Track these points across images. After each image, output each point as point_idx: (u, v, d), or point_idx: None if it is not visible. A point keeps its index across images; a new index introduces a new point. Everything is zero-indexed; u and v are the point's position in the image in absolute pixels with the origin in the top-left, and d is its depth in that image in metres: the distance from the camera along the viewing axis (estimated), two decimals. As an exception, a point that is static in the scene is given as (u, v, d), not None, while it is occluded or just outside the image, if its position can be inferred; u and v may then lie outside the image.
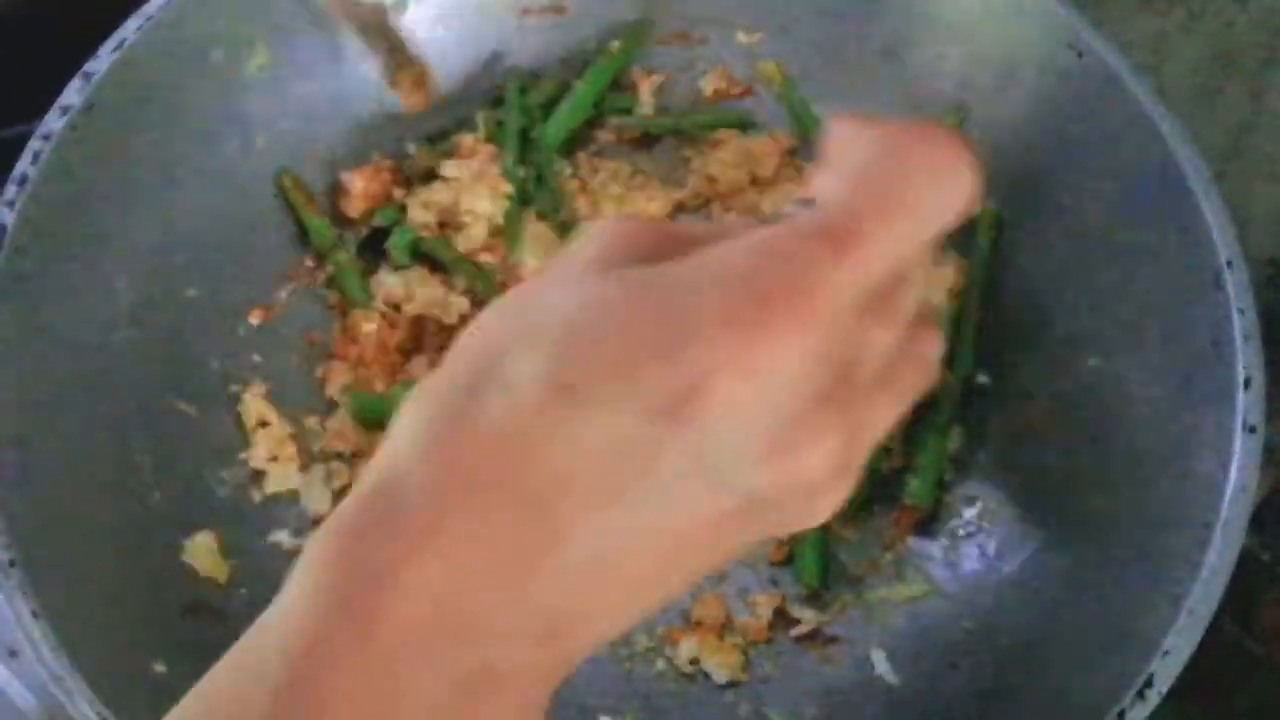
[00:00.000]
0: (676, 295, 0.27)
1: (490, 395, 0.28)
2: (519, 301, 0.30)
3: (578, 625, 0.29)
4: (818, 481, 0.28)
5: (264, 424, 0.69)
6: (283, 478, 0.68)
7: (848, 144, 0.29)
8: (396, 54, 0.68)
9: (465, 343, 0.29)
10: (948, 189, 0.29)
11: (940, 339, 0.33)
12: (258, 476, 0.68)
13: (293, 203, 0.72)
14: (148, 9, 0.65)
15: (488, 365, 0.28)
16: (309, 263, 0.74)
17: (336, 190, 0.74)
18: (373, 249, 0.75)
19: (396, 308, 0.72)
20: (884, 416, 0.31)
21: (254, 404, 0.69)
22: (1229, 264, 0.58)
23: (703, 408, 0.27)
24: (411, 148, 0.75)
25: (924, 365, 0.33)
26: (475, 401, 0.28)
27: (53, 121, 0.62)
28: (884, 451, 0.68)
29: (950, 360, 0.70)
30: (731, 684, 0.65)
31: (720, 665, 0.65)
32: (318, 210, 0.72)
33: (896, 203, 0.28)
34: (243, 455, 0.68)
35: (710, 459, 0.27)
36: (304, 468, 0.69)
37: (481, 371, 0.28)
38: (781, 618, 0.67)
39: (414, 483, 0.28)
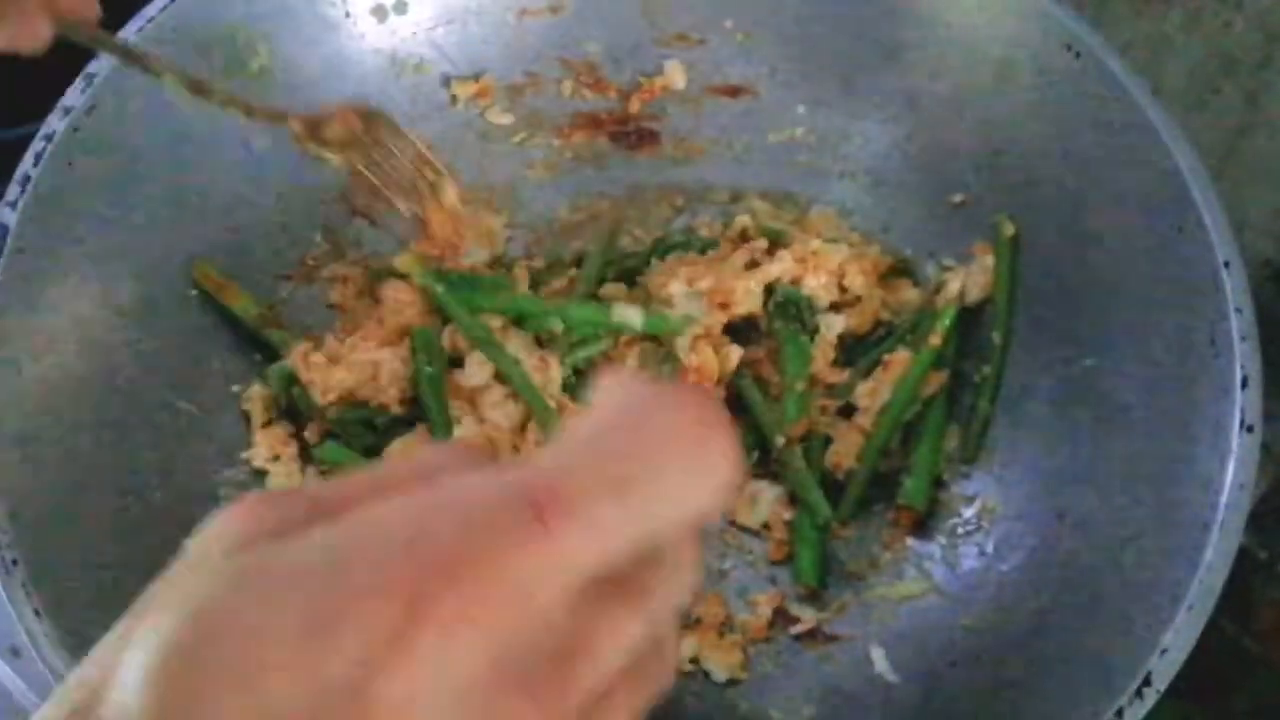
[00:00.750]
0: (316, 572, 0.22)
1: None
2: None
3: None
4: None
5: (266, 423, 0.69)
6: (284, 476, 0.68)
7: (608, 401, 0.25)
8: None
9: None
10: (701, 477, 0.24)
11: (673, 643, 0.28)
12: (259, 475, 0.68)
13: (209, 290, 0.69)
14: (148, 10, 0.65)
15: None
16: (310, 261, 0.74)
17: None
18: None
19: None
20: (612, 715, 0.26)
21: (257, 403, 0.69)
22: (1226, 264, 0.58)
23: (363, 711, 0.21)
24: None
25: (662, 668, 0.28)
26: None
27: (55, 122, 0.62)
28: (882, 452, 0.68)
29: (945, 362, 0.70)
30: (731, 682, 0.65)
31: (720, 664, 0.65)
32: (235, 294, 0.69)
33: (638, 481, 0.23)
34: (244, 454, 0.68)
35: None
36: (305, 467, 0.69)
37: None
38: (781, 616, 0.67)
39: None
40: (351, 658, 0.21)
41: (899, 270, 0.75)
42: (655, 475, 0.24)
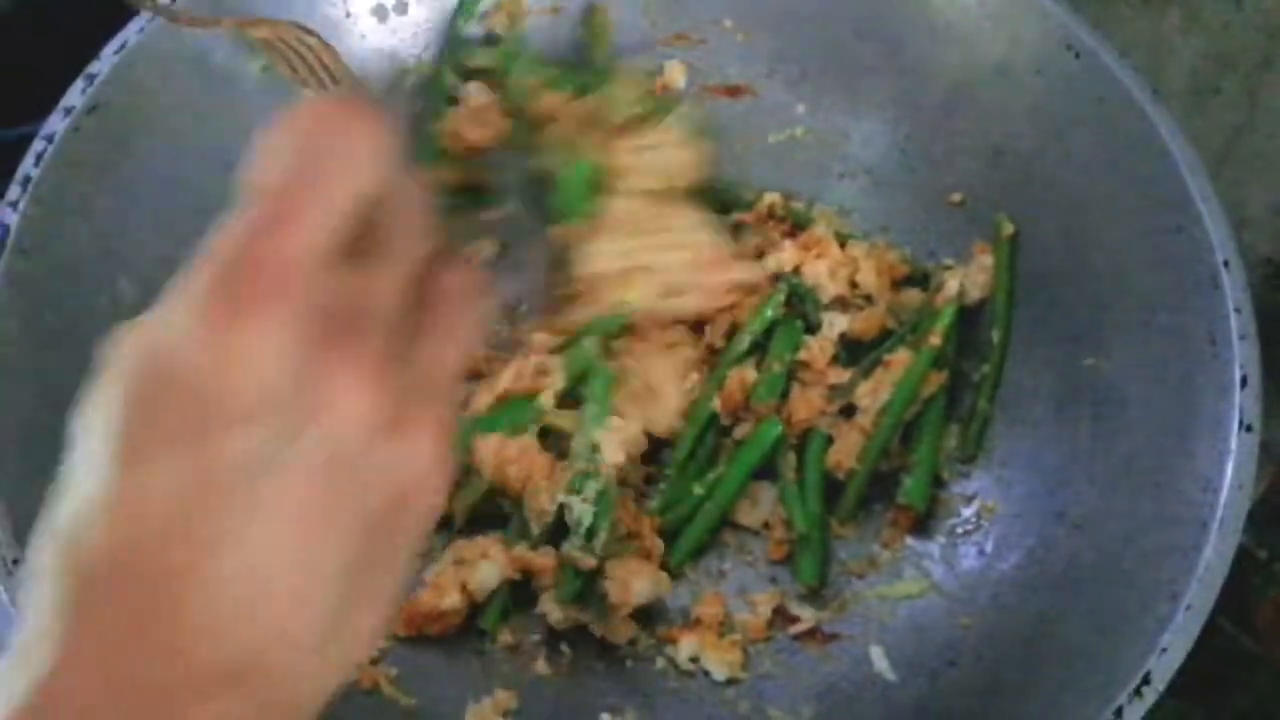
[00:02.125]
0: (170, 338, 0.30)
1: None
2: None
3: (263, 656, 0.29)
4: (367, 419, 0.30)
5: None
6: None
7: (269, 140, 0.31)
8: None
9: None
10: (354, 144, 0.30)
11: (470, 274, 0.35)
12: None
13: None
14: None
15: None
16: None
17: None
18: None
19: None
20: (431, 351, 0.33)
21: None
22: (1226, 264, 0.58)
23: (229, 411, 0.28)
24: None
25: (461, 298, 0.34)
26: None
27: (55, 123, 0.62)
28: (882, 452, 0.68)
29: (944, 361, 0.70)
30: (731, 681, 0.65)
31: (720, 663, 0.65)
32: None
33: (308, 167, 0.30)
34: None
35: (267, 447, 0.29)
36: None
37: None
38: (781, 615, 0.67)
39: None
40: (211, 380, 0.28)
41: (911, 279, 0.74)
42: (323, 167, 0.30)
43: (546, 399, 0.68)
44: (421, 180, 0.34)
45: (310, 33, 0.69)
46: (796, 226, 0.75)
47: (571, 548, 0.64)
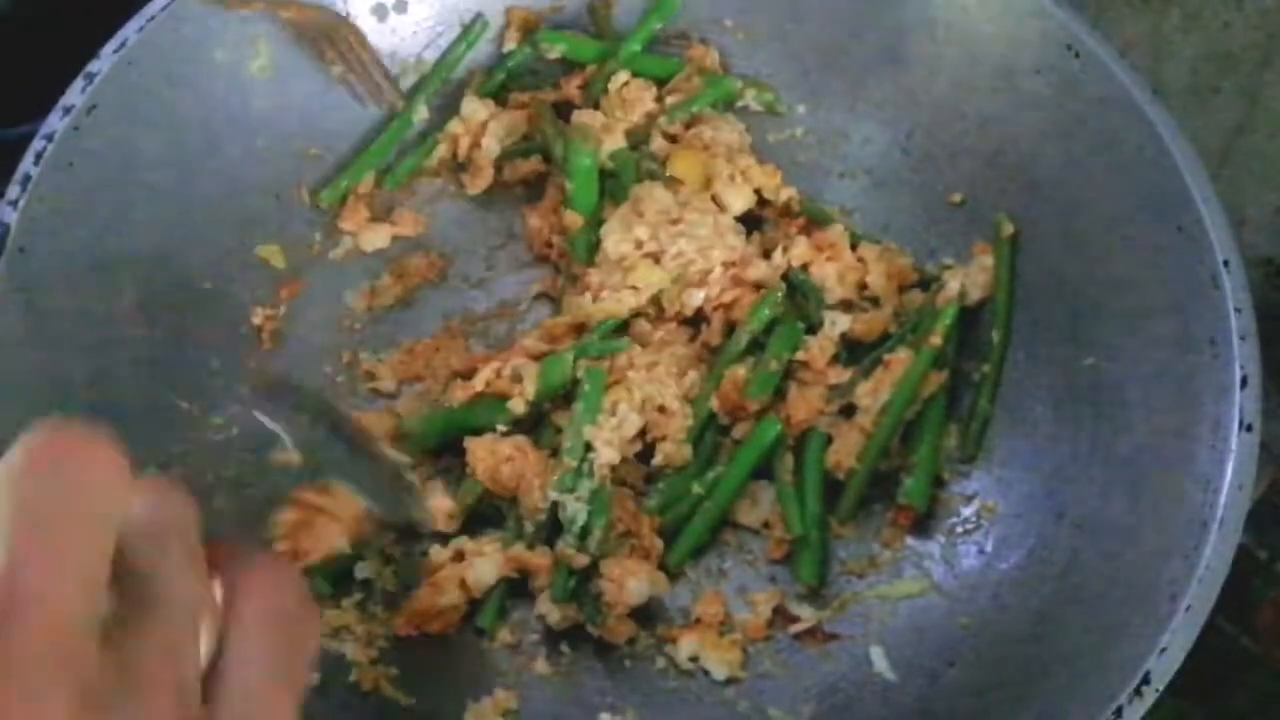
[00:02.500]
0: None
1: None
2: None
3: None
4: None
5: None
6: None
7: None
8: None
9: None
10: (85, 482, 0.27)
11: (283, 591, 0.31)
12: (258, 474, 0.68)
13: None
14: (149, 10, 0.65)
15: None
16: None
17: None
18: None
19: None
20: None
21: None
22: (1226, 264, 0.58)
23: None
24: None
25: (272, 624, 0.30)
26: None
27: (55, 122, 0.62)
28: (882, 451, 0.68)
29: (944, 361, 0.70)
30: (731, 681, 0.65)
31: (720, 662, 0.65)
32: None
33: (35, 535, 0.26)
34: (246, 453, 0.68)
35: None
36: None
37: None
38: (780, 615, 0.67)
39: None
40: None
41: (917, 283, 0.74)
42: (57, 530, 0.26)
43: (516, 405, 0.68)
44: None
45: (340, 17, 0.70)
46: (813, 223, 0.75)
47: (565, 546, 0.64)
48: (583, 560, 0.64)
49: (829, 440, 0.69)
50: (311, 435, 0.51)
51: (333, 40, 0.70)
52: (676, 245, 0.70)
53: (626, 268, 0.70)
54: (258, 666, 0.30)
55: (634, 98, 0.75)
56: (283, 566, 0.31)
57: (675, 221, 0.70)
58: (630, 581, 0.64)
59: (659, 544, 0.67)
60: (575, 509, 0.65)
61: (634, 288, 0.70)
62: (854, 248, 0.73)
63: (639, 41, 0.76)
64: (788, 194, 0.75)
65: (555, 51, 0.75)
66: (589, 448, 0.66)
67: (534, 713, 0.64)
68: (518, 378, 0.68)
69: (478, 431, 0.68)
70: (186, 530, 0.30)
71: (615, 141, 0.74)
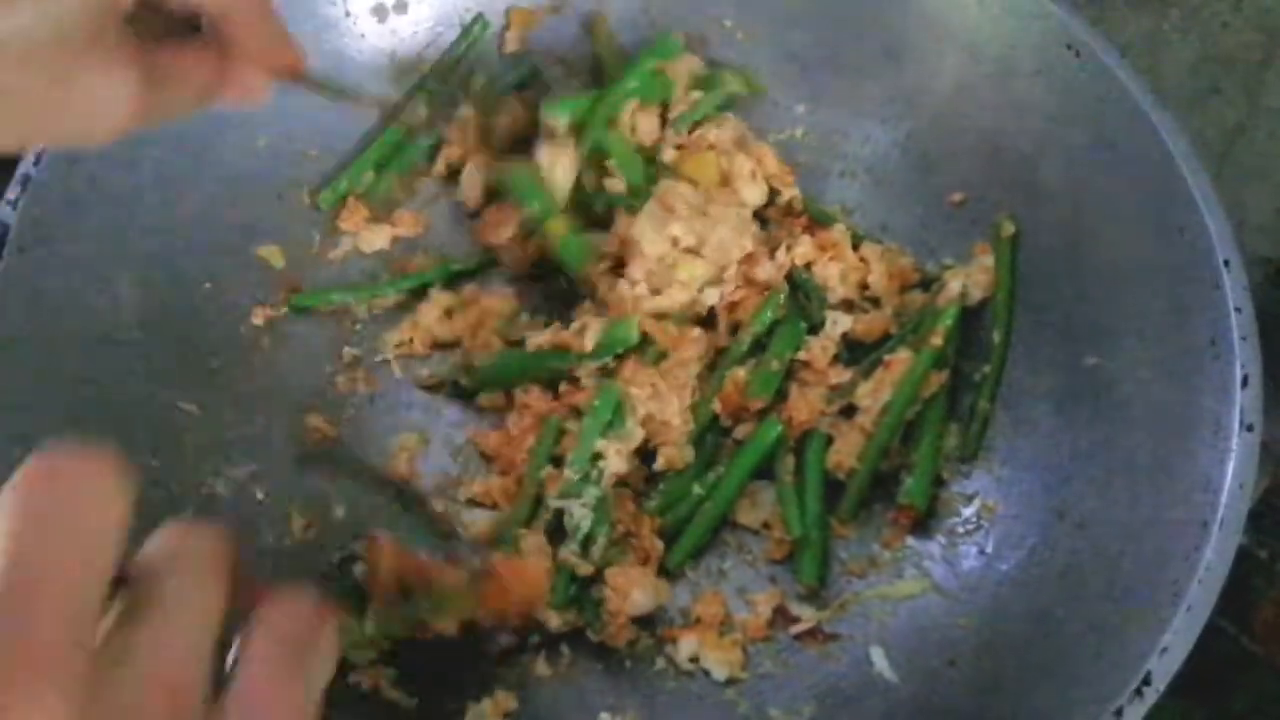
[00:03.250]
0: None
1: None
2: None
3: None
4: None
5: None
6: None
7: None
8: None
9: None
10: (82, 504, 0.28)
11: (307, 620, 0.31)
12: (257, 476, 0.68)
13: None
14: (149, 9, 0.65)
15: None
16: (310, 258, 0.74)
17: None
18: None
19: None
20: None
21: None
22: (1226, 263, 0.58)
23: None
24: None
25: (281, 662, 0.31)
26: None
27: (55, 121, 0.62)
28: (883, 451, 0.68)
29: (945, 361, 0.70)
30: (731, 681, 0.65)
31: (720, 663, 0.65)
32: None
33: (33, 554, 0.27)
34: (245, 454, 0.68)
35: None
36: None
37: None
38: (781, 615, 0.67)
39: None
40: None
41: (918, 284, 0.74)
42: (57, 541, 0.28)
43: (581, 349, 0.69)
44: None
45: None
46: (815, 223, 0.75)
47: (568, 552, 0.64)
48: (587, 569, 0.64)
49: (829, 441, 0.69)
50: (357, 491, 0.54)
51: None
52: (715, 234, 0.70)
53: (670, 264, 0.70)
54: (265, 685, 0.30)
55: (643, 124, 0.75)
56: (305, 598, 0.32)
57: (704, 215, 0.71)
58: (634, 592, 0.64)
59: (659, 545, 0.67)
60: (580, 515, 0.65)
61: (681, 282, 0.70)
62: (855, 248, 0.74)
63: (636, 78, 0.75)
64: (791, 193, 0.75)
65: (562, 121, 0.74)
66: (598, 457, 0.66)
67: (534, 713, 0.64)
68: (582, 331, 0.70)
69: (545, 376, 0.69)
70: (216, 556, 0.31)
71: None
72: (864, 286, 0.73)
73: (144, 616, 0.29)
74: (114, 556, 0.28)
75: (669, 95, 0.76)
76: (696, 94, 0.76)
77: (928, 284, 0.73)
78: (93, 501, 0.28)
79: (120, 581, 0.29)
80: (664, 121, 0.76)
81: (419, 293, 0.74)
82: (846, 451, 0.68)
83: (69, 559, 0.27)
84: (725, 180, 0.73)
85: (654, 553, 0.67)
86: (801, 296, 0.72)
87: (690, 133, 0.75)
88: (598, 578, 0.65)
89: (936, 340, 0.68)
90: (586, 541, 0.65)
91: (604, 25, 0.78)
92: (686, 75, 0.77)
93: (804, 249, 0.72)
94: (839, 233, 0.73)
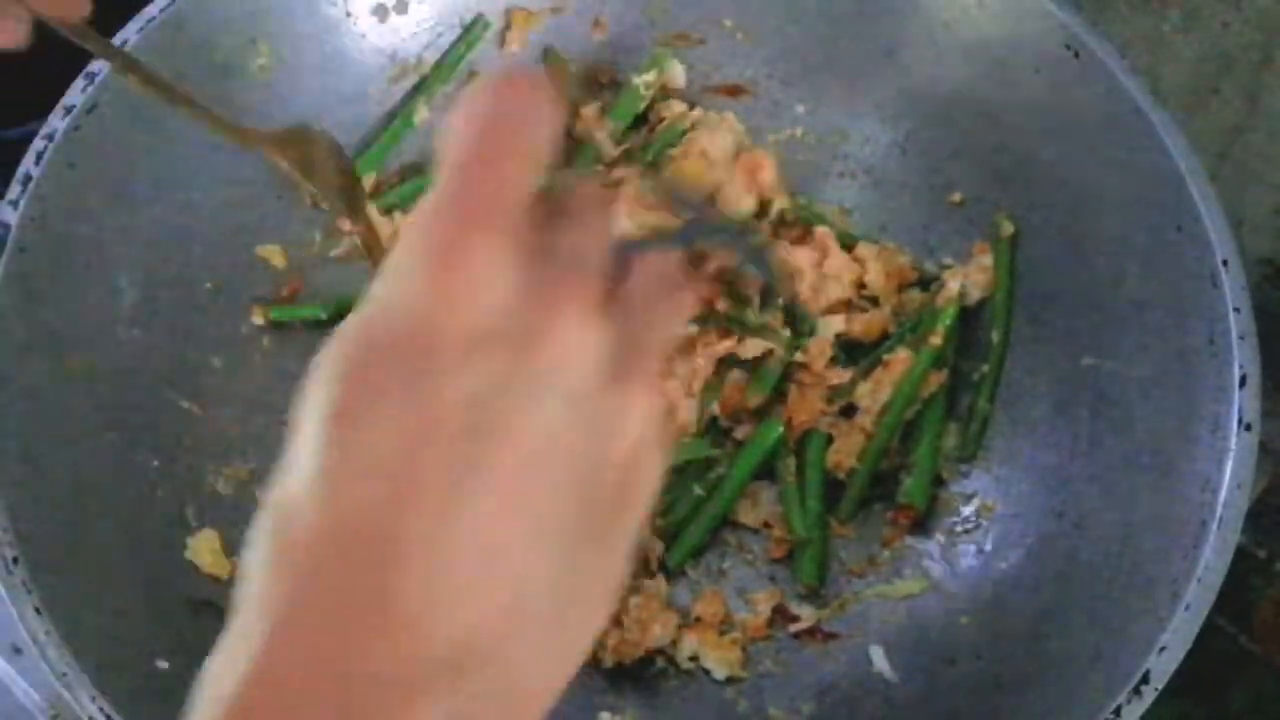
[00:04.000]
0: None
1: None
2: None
3: (486, 642, 0.26)
4: (596, 357, 0.28)
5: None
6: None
7: (453, 118, 0.30)
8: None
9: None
10: (525, 108, 0.30)
11: (671, 261, 0.33)
12: (258, 474, 0.68)
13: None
14: (149, 10, 0.65)
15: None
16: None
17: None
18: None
19: None
20: (641, 317, 0.31)
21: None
22: (1225, 263, 0.58)
23: (448, 346, 0.27)
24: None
25: (663, 282, 0.33)
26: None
27: (56, 122, 0.62)
28: (883, 451, 0.68)
29: (944, 361, 0.70)
30: (731, 680, 0.65)
31: (719, 661, 0.65)
32: None
33: (497, 128, 0.29)
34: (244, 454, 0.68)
35: (492, 386, 0.27)
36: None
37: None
38: (780, 614, 0.67)
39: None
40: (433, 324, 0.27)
41: (916, 282, 0.74)
42: (512, 127, 0.30)
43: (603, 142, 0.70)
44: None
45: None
46: (806, 228, 0.74)
47: None
48: None
49: (829, 440, 0.69)
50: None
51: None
52: None
53: None
54: (658, 280, 0.32)
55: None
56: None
57: None
58: (655, 627, 0.64)
59: (659, 545, 0.67)
60: None
61: None
62: (851, 248, 0.74)
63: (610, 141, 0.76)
64: (780, 205, 0.75)
65: None
66: None
67: (534, 712, 0.64)
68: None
69: None
70: (607, 195, 0.33)
71: None
72: (861, 285, 0.73)
73: (563, 216, 0.31)
74: (546, 159, 0.30)
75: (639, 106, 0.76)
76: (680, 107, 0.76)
77: (926, 283, 0.73)
78: (537, 112, 0.30)
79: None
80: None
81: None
82: (846, 451, 0.68)
83: (524, 147, 0.29)
84: (715, 190, 0.73)
85: (654, 553, 0.67)
86: (789, 320, 0.72)
87: (682, 138, 0.75)
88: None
89: (936, 340, 0.68)
90: None
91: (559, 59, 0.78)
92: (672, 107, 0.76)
93: (800, 259, 0.72)
94: (824, 235, 0.73)
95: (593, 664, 0.66)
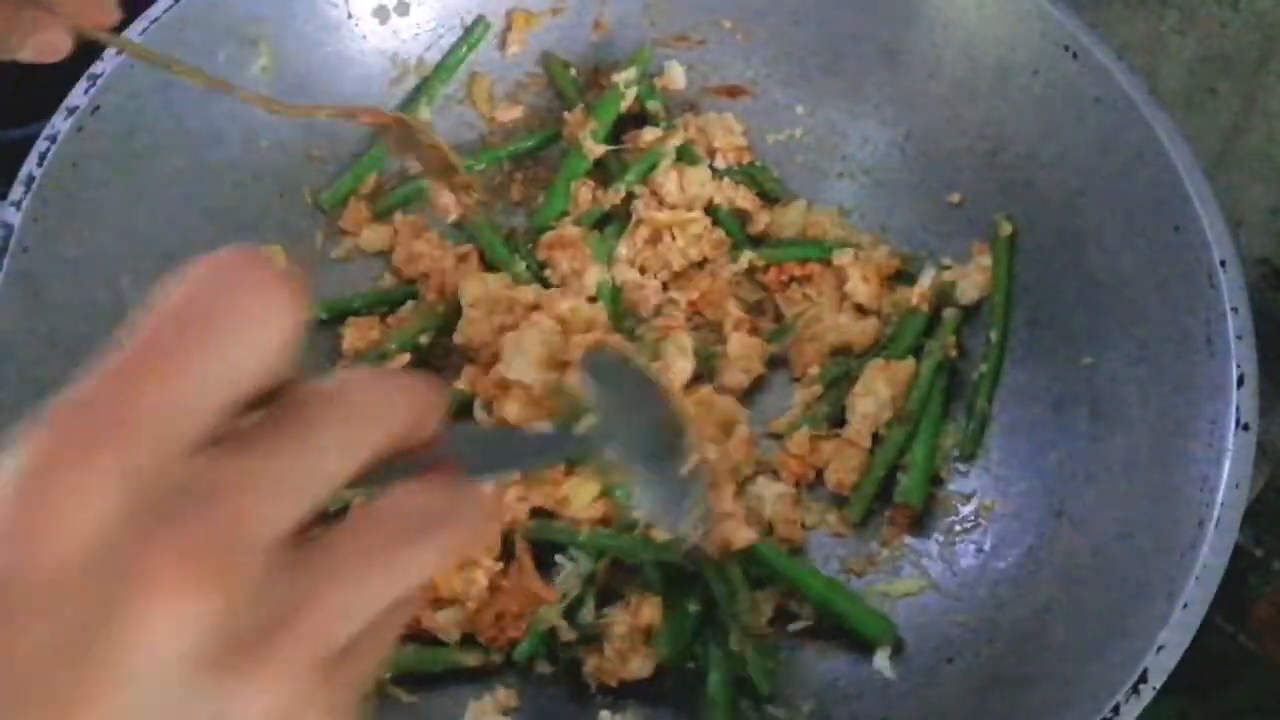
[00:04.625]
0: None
1: None
2: None
3: None
4: (196, 633, 0.22)
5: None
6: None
7: (165, 289, 0.26)
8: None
9: None
10: (264, 301, 0.25)
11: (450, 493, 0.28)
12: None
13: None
14: (152, 12, 0.66)
15: None
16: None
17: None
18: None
19: None
20: (332, 584, 0.25)
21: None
22: (1223, 263, 0.59)
23: (24, 592, 0.22)
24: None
25: (421, 522, 0.27)
26: None
27: (58, 123, 0.62)
28: (887, 467, 0.69)
29: (944, 361, 0.70)
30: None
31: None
32: None
33: (203, 316, 0.25)
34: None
35: (56, 652, 0.22)
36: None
37: None
38: (780, 613, 0.67)
39: None
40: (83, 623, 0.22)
41: (902, 274, 0.74)
42: (222, 319, 0.25)
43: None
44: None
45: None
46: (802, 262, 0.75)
47: (554, 617, 0.64)
48: (571, 636, 0.64)
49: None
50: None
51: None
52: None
53: None
54: (396, 524, 0.27)
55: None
56: (465, 483, 0.28)
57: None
58: (634, 660, 0.64)
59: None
60: (569, 573, 0.65)
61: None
62: (828, 262, 0.74)
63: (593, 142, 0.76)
64: (749, 259, 0.75)
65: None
66: None
67: (534, 710, 0.64)
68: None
69: None
70: (394, 412, 0.27)
71: None
72: (844, 295, 0.73)
73: (271, 428, 0.25)
74: (257, 374, 0.25)
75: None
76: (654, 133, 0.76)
77: (909, 278, 0.74)
78: (250, 313, 0.25)
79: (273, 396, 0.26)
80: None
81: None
82: (844, 468, 0.68)
83: (226, 348, 0.24)
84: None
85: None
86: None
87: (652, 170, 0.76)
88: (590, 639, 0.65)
89: (950, 350, 0.70)
90: (575, 608, 0.65)
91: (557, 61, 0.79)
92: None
93: (797, 308, 0.73)
94: (814, 269, 0.74)
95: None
